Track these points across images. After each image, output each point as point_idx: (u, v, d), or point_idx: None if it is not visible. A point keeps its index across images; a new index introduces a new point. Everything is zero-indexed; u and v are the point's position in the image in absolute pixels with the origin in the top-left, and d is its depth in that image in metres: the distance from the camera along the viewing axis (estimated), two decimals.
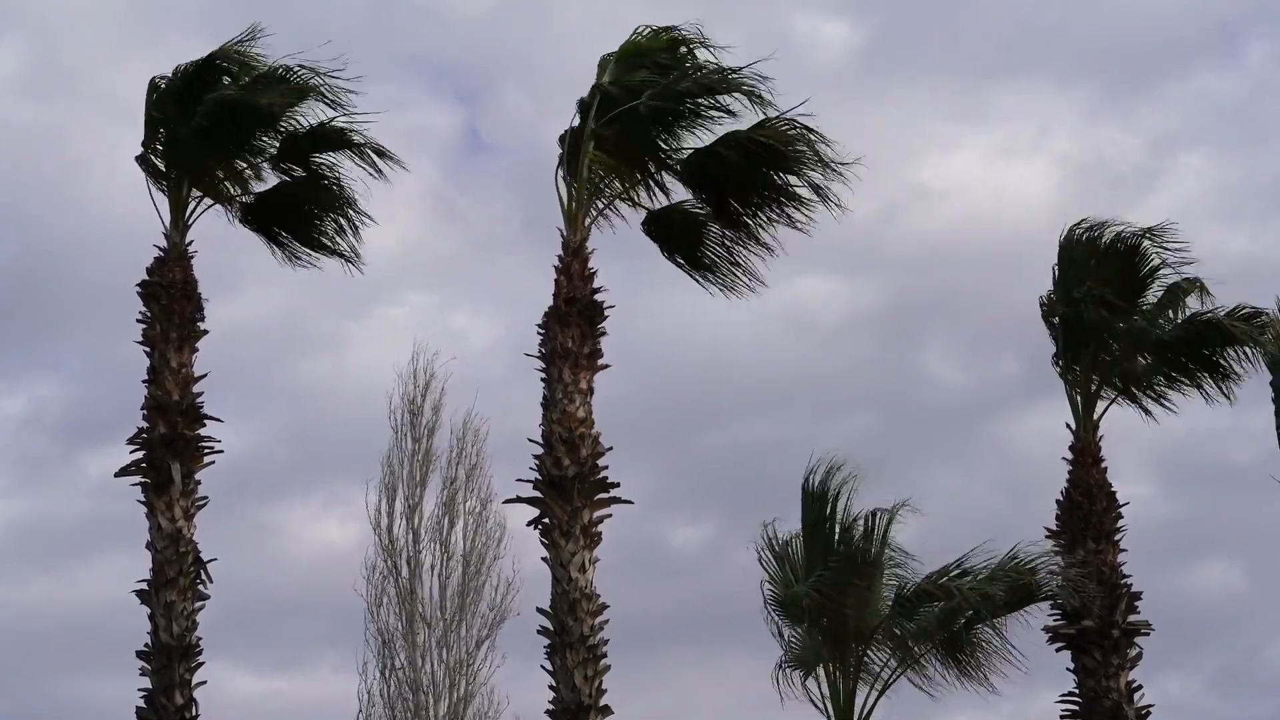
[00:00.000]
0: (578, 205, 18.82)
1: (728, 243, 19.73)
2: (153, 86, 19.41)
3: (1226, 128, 47.71)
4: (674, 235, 19.84)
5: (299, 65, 19.20)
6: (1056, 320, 20.48)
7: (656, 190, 19.65)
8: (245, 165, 19.79)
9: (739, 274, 19.84)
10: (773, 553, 18.55)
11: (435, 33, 45.77)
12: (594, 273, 18.61)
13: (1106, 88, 48.12)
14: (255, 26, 19.09)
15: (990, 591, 17.72)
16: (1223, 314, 20.29)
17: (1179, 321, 20.51)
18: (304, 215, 20.27)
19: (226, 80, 19.30)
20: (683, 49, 19.20)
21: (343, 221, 20.19)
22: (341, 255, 20.34)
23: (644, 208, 19.82)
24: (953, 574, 17.94)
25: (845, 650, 18.17)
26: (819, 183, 18.75)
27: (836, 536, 18.51)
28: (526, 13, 44.83)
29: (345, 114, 19.28)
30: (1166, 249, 20.52)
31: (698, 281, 19.96)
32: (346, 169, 19.86)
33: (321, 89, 19.20)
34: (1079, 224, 20.67)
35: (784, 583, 18.31)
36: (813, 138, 18.48)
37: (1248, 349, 20.21)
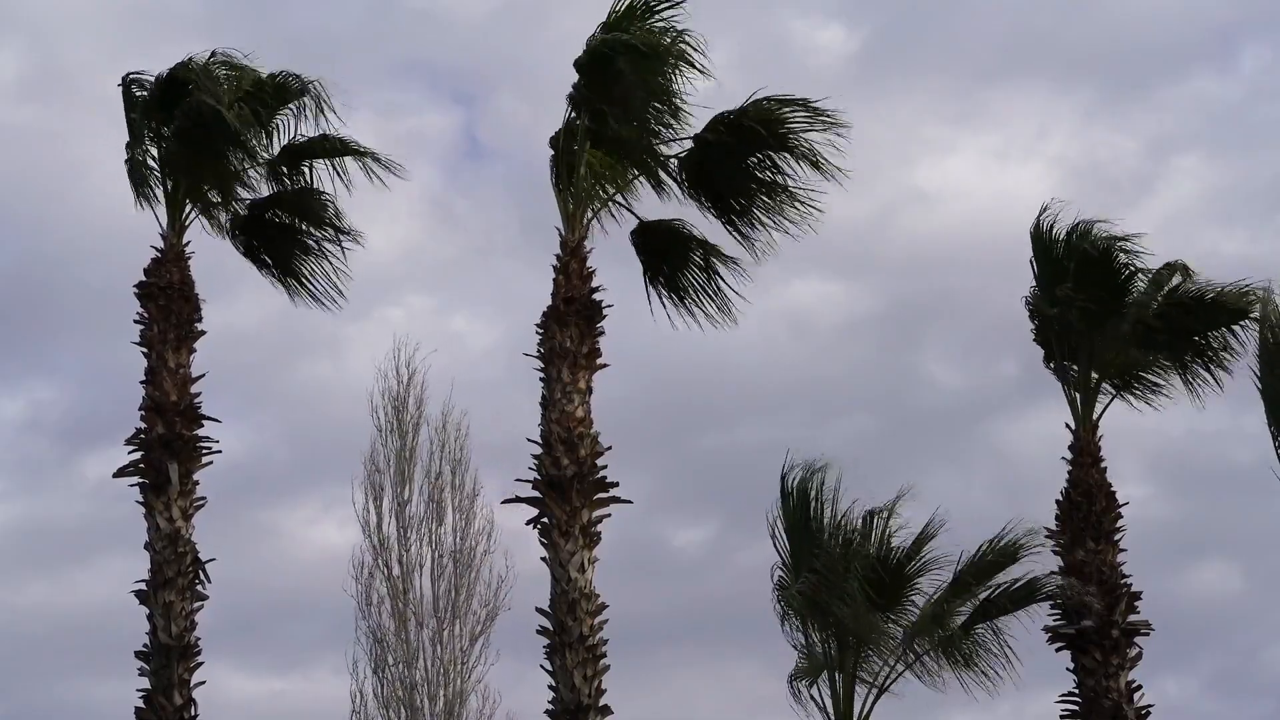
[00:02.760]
0: (575, 204, 18.79)
1: (713, 264, 19.57)
2: (127, 87, 19.35)
3: (1222, 131, 47.80)
4: (656, 255, 19.67)
5: (284, 74, 19.22)
6: (1050, 315, 20.36)
7: (653, 187, 19.57)
8: (232, 178, 19.69)
9: (718, 301, 19.70)
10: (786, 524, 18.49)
11: (433, 37, 45.81)
12: (592, 272, 18.58)
13: (1103, 91, 48.21)
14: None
15: (982, 564, 17.86)
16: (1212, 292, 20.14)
17: (1160, 301, 20.12)
18: (287, 244, 20.22)
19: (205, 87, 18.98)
20: (663, 36, 18.64)
21: (327, 250, 20.17)
22: (317, 297, 20.38)
23: (635, 215, 19.77)
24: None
25: (844, 650, 18.16)
26: (816, 153, 18.67)
27: (826, 536, 18.50)
28: (524, 17, 44.85)
29: (328, 113, 19.36)
30: (1142, 252, 20.33)
31: (677, 310, 19.79)
32: (338, 183, 19.95)
33: (308, 97, 19.24)
34: (1045, 213, 20.45)
35: (793, 569, 18.28)
36: (803, 107, 18.49)
37: (1237, 330, 20.08)
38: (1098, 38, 46.47)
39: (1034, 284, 20.47)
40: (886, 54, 46.34)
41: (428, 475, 30.22)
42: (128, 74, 19.47)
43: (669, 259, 19.71)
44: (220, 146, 19.11)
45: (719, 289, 19.71)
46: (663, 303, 19.78)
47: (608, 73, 18.36)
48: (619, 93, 18.46)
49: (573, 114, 18.79)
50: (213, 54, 19.12)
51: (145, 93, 19.38)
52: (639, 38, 18.19)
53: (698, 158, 19.06)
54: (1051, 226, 20.27)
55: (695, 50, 18.35)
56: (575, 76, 18.64)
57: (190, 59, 19.06)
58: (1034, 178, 45.85)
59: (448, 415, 30.56)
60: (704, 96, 18.82)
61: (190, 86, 18.96)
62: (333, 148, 19.70)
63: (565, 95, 18.77)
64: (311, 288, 20.39)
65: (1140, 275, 20.25)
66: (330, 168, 19.87)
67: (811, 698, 18.20)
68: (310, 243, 20.21)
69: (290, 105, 19.52)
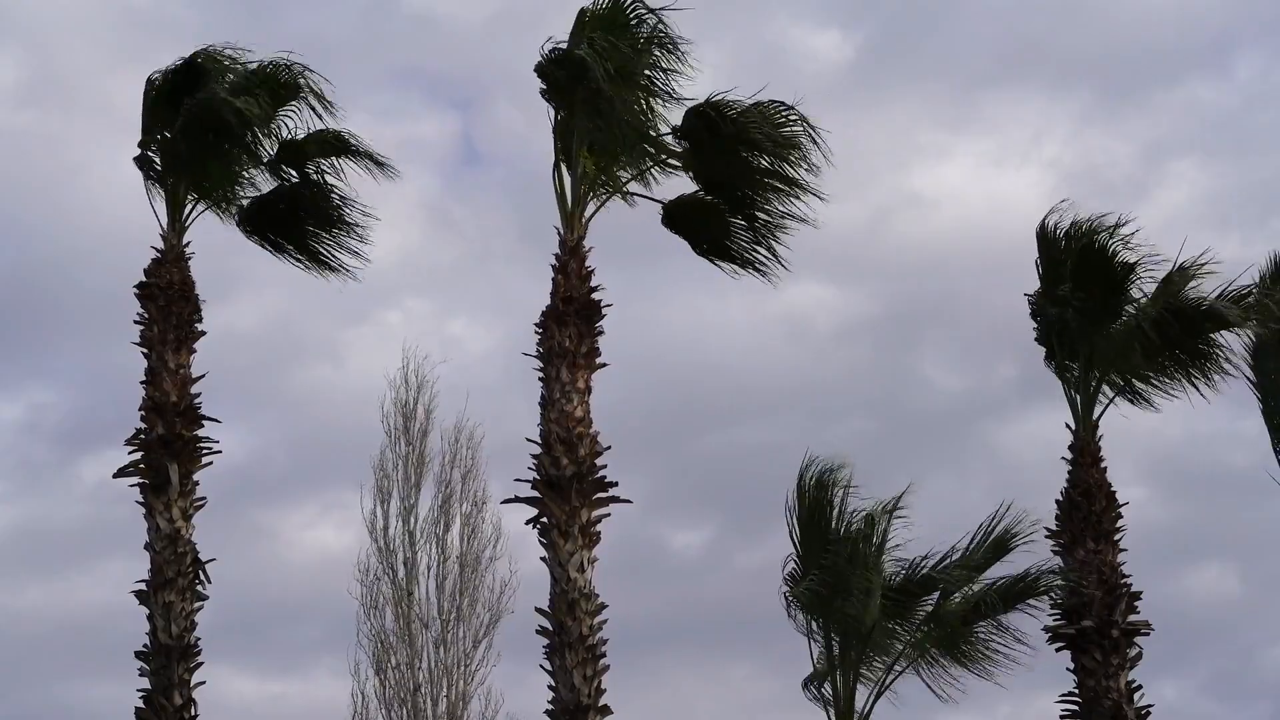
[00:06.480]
0: (574, 203, 18.79)
1: (747, 232, 19.71)
2: (150, 85, 19.39)
3: (1216, 136, 47.89)
4: (697, 228, 19.79)
5: (283, 63, 19.21)
6: (1051, 314, 20.34)
7: (653, 176, 19.54)
8: (237, 171, 19.71)
9: (766, 260, 19.86)
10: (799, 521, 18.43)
11: (429, 43, 45.87)
12: (591, 272, 18.57)
13: (1098, 96, 48.29)
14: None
15: (976, 561, 17.86)
16: (1211, 298, 20.06)
17: (1159, 307, 19.95)
18: (300, 225, 20.24)
19: (211, 80, 19.07)
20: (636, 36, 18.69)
21: (339, 232, 20.20)
22: (341, 268, 20.42)
23: (645, 197, 19.76)
24: (937, 562, 18.07)
25: (846, 649, 18.15)
26: (808, 158, 18.75)
27: (840, 536, 18.46)
28: (521, 23, 44.87)
29: (331, 113, 19.42)
30: (1139, 247, 20.30)
31: (725, 272, 20.00)
32: (345, 175, 19.98)
33: (305, 90, 19.26)
34: (1052, 214, 20.48)
35: (803, 563, 18.21)
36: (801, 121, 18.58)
37: (1235, 333, 20.05)
38: (1093, 43, 46.62)
39: (1039, 284, 20.49)
40: (882, 59, 46.50)
41: (438, 482, 30.69)
42: (153, 73, 19.40)
43: (709, 228, 19.76)
44: (226, 138, 19.12)
45: (771, 246, 19.81)
46: (719, 266, 19.94)
47: (578, 75, 18.33)
48: (595, 95, 18.39)
49: (561, 113, 18.78)
50: (208, 50, 19.12)
51: (157, 83, 19.37)
52: (607, 52, 18.18)
53: (690, 156, 19.10)
54: (1057, 226, 20.31)
55: (670, 44, 18.48)
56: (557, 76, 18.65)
57: (201, 50, 19.09)
58: (1030, 182, 45.96)
59: (461, 427, 31.02)
60: (700, 93, 19.00)
61: (199, 77, 18.94)
62: (328, 145, 19.69)
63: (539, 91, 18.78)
64: (329, 260, 20.38)
65: (1139, 273, 20.27)
66: (333, 164, 19.91)
67: (821, 695, 18.17)
68: (322, 224, 20.21)
69: (291, 103, 19.53)
